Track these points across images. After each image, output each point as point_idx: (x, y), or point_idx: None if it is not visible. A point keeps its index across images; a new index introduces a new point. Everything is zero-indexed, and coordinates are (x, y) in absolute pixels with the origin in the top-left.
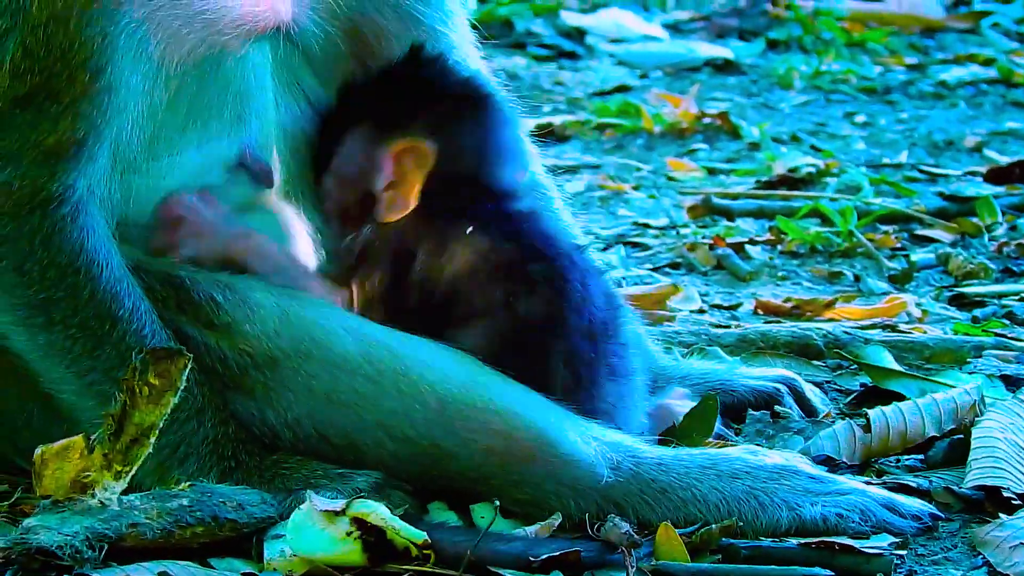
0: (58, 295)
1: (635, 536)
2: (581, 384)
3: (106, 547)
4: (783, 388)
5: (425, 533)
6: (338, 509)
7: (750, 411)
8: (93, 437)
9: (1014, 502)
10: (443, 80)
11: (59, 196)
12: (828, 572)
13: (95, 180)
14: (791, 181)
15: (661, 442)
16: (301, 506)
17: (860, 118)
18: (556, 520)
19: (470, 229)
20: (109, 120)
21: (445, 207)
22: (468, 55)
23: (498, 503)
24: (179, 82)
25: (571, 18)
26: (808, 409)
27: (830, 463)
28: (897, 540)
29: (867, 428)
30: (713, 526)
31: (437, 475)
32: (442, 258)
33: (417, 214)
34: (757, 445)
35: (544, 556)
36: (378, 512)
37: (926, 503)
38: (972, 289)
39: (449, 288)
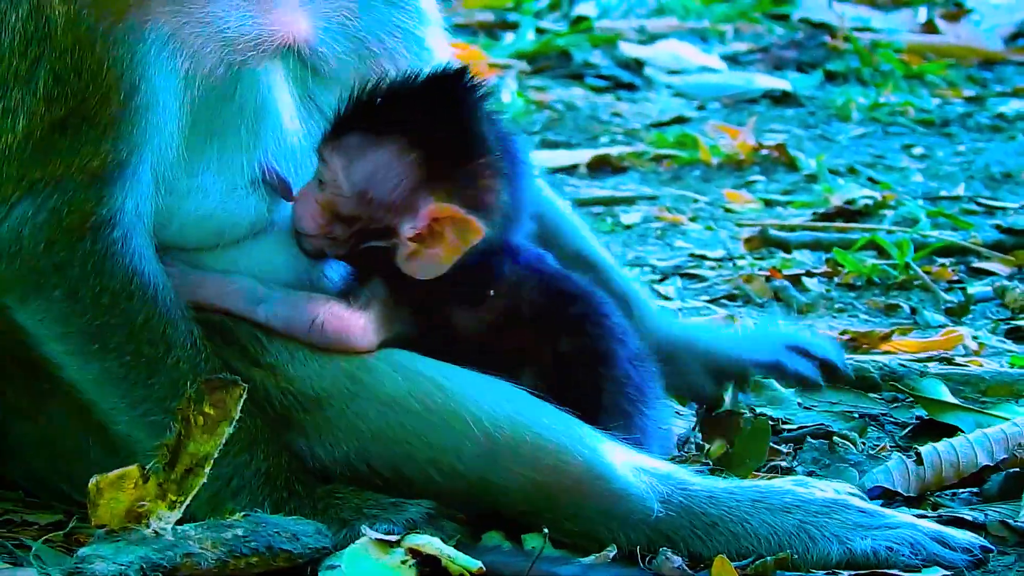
0: (112, 321)
1: (687, 570)
2: (636, 411)
3: None
4: (784, 361)
5: (479, 561)
6: (392, 541)
7: (808, 439)
8: (148, 467)
9: None
10: (489, 144)
11: (109, 220)
12: None
13: (141, 202)
14: (848, 213)
15: (713, 470)
16: (357, 540)
17: (918, 150)
18: (611, 551)
19: (492, 292)
20: (148, 139)
21: (470, 269)
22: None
23: (547, 531)
24: (201, 100)
25: (629, 49)
26: (828, 367)
27: (887, 495)
28: (948, 573)
29: (919, 461)
30: (768, 559)
31: (487, 508)
32: (473, 313)
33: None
34: (809, 474)
35: None
36: (432, 543)
37: (977, 536)
38: None
39: (482, 337)
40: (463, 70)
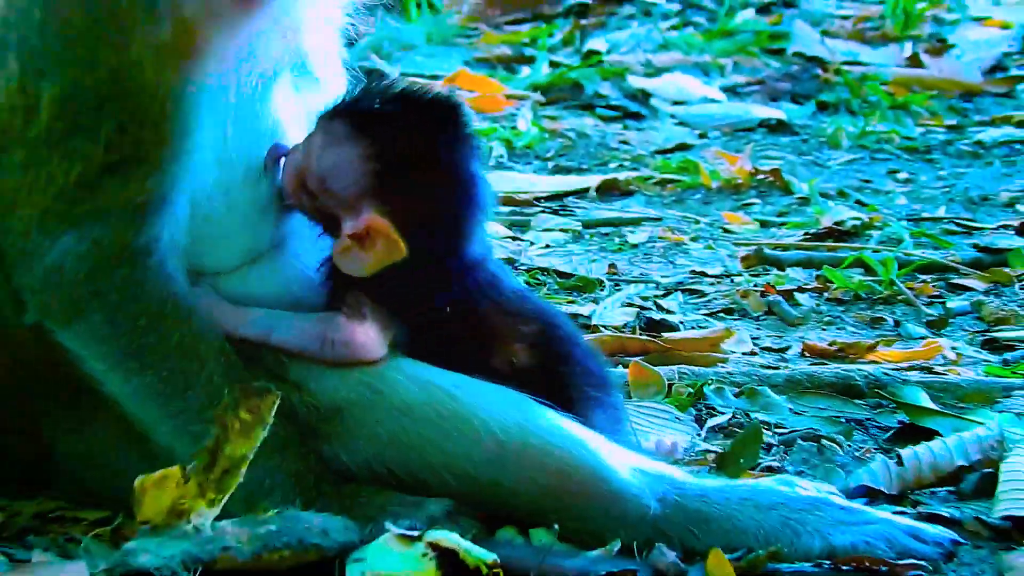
0: (149, 341)
1: (680, 564)
2: (603, 397)
3: (200, 569)
4: None
5: (495, 554)
6: (414, 536)
7: (799, 441)
8: (188, 468)
9: None
10: (450, 183)
11: (147, 248)
12: None
13: (176, 230)
14: (837, 233)
15: (711, 470)
16: (381, 536)
17: (902, 175)
18: (615, 546)
19: (447, 308)
20: (190, 173)
21: (422, 277)
22: None
23: (556, 527)
24: (234, 131)
25: (636, 81)
26: None
27: (871, 494)
28: (924, 564)
29: (900, 462)
30: (761, 552)
31: (499, 508)
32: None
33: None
34: (799, 473)
35: (604, 573)
36: (450, 538)
37: (948, 530)
38: (1003, 334)
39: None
40: (458, 107)
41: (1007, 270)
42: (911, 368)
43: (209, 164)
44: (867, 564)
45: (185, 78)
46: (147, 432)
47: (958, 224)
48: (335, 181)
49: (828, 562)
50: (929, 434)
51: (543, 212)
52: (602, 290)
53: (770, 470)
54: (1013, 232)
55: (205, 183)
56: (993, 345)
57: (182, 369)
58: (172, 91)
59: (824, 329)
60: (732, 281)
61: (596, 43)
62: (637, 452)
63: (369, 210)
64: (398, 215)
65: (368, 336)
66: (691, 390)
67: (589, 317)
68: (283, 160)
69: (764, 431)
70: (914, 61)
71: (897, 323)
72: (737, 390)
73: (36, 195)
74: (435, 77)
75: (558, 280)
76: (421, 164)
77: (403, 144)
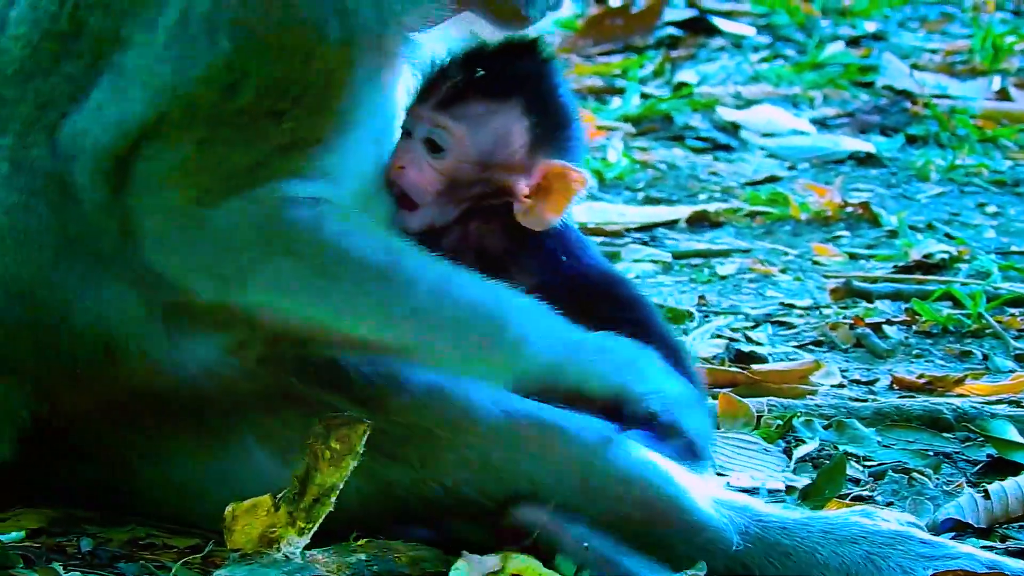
0: (330, 261)
1: None
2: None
3: None
4: None
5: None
6: (496, 568)
7: (890, 472)
8: (279, 496)
9: None
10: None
11: (313, 204)
12: None
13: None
14: (926, 266)
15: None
16: (458, 562)
17: (991, 208)
18: (701, 571)
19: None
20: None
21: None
22: None
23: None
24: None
25: (726, 113)
26: None
27: (959, 527)
28: None
29: (987, 496)
30: None
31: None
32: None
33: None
34: (888, 504)
35: None
36: (532, 565)
37: None
38: None
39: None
40: (537, 40)
41: None
42: (999, 402)
43: (368, 143)
44: None
45: (368, 73)
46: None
47: None
48: (501, 151)
49: None
50: (1017, 468)
51: (633, 243)
52: (691, 321)
53: (859, 500)
54: None
55: (365, 161)
56: None
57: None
58: (356, 84)
59: (912, 362)
60: (821, 313)
61: (686, 75)
62: (719, 483)
63: (537, 161)
64: (560, 153)
65: None
66: (779, 422)
67: None
68: (403, 173)
69: (853, 464)
70: (1003, 95)
71: (985, 356)
72: (826, 422)
73: (204, 174)
74: None
75: None
76: (557, 103)
77: (539, 90)
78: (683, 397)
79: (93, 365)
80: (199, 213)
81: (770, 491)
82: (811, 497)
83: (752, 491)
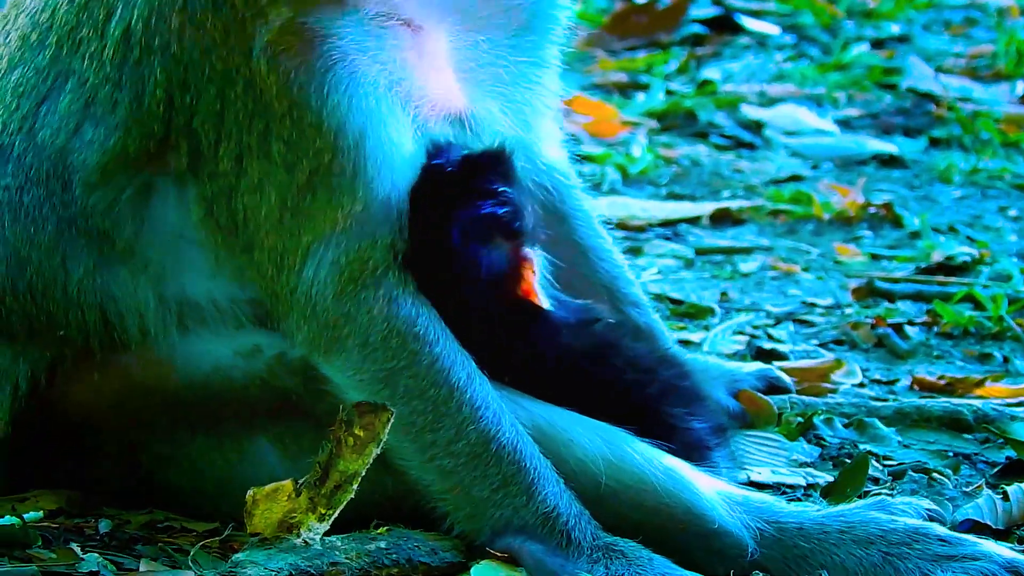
0: (400, 364)
1: None
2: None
3: None
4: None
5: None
6: None
7: (909, 472)
8: (300, 482)
9: None
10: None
11: (386, 262)
12: None
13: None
14: (948, 268)
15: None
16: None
17: (1013, 212)
18: None
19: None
20: (391, 177)
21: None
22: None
23: None
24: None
25: (750, 111)
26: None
27: (977, 528)
28: None
29: (1006, 497)
30: None
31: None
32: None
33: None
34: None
35: None
36: None
37: None
38: None
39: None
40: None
41: None
42: (1019, 404)
43: (404, 170)
44: None
45: (336, 79)
46: (401, 467)
47: None
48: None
49: None
50: None
51: (656, 238)
52: (713, 318)
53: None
54: None
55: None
56: None
57: (432, 397)
58: (323, 94)
59: (933, 363)
60: (842, 312)
61: (711, 72)
62: (734, 482)
63: (526, 259)
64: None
65: None
66: (800, 420)
67: (700, 344)
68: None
69: (873, 463)
70: None
71: (1006, 359)
72: (846, 421)
73: (272, 235)
74: None
75: (670, 306)
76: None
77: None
78: None
79: (97, 344)
80: (281, 275)
81: (790, 488)
82: (832, 496)
83: (772, 488)
